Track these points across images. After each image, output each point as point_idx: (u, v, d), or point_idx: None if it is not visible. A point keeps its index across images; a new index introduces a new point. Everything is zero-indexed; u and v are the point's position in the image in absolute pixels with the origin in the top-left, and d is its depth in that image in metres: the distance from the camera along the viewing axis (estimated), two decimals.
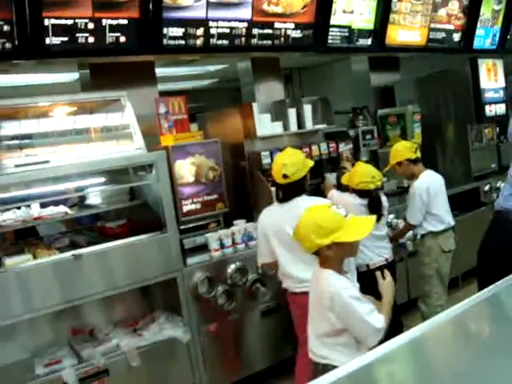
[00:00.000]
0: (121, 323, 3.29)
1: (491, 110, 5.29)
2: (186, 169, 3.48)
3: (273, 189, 3.64)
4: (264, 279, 3.46)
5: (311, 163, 3.08)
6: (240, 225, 3.56)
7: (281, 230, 2.88)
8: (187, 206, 3.50)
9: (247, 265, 3.42)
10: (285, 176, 2.89)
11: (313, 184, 4.00)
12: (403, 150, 3.78)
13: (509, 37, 6.33)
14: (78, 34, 3.14)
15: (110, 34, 3.27)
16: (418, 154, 3.81)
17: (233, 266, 3.36)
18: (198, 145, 3.57)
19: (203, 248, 3.54)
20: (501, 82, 5.43)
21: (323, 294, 2.17)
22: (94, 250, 3.00)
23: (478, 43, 5.96)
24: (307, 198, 2.97)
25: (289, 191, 2.96)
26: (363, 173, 3.38)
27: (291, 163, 2.91)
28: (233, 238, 3.48)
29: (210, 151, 3.58)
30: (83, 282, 2.92)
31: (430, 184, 3.74)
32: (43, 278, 2.82)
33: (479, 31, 5.91)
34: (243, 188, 3.88)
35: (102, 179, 3.37)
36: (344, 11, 4.47)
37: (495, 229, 3.50)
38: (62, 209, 3.14)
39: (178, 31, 3.53)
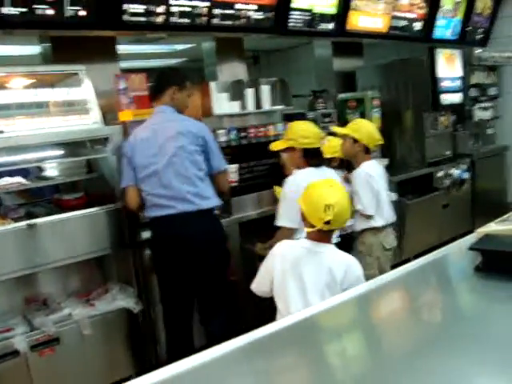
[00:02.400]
0: (74, 294, 3.35)
1: (447, 99, 5.46)
2: None
3: (230, 166, 3.72)
4: None
5: None
6: None
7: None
8: None
9: None
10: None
11: (271, 164, 4.12)
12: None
13: (468, 29, 6.51)
14: (36, 6, 3.14)
15: (70, 8, 3.27)
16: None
17: None
18: None
19: None
20: (458, 72, 5.60)
21: None
22: (48, 220, 3.05)
23: (438, 33, 6.11)
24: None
25: (321, 155, 3.35)
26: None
27: (312, 131, 3.34)
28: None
29: None
30: (37, 251, 2.98)
31: (375, 173, 3.54)
32: None
33: (440, 21, 6.06)
34: None
35: (60, 152, 3.41)
36: None
37: None
38: (17, 179, 3.18)
39: (138, 8, 3.55)
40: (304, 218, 2.38)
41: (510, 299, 1.52)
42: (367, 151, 3.57)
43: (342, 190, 2.41)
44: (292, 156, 3.30)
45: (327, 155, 3.55)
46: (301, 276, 2.34)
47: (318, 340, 1.44)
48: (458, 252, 1.97)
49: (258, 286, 2.53)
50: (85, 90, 3.36)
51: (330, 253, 2.39)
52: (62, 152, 3.41)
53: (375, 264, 3.51)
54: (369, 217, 3.48)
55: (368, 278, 3.47)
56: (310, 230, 2.32)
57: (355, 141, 3.52)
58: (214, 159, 3.14)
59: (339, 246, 3.45)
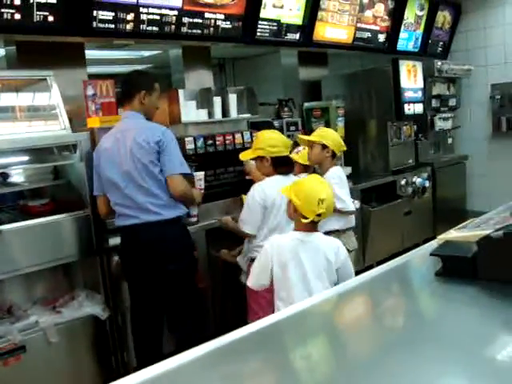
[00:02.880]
0: (40, 301, 3.31)
1: (410, 109, 5.60)
2: None
3: (196, 174, 3.76)
4: None
5: None
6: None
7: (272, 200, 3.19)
8: None
9: None
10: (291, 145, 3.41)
11: (236, 171, 4.17)
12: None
13: (430, 41, 6.71)
14: (3, 10, 3.12)
15: (38, 13, 3.27)
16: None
17: None
18: None
19: None
20: (420, 83, 5.75)
21: None
22: (15, 227, 3.02)
23: (401, 45, 6.30)
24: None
25: (290, 163, 3.41)
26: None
27: (279, 139, 3.38)
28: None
29: None
30: (3, 258, 2.94)
31: (343, 177, 3.66)
32: None
33: (403, 34, 6.25)
34: None
35: (26, 158, 3.38)
36: (274, 5, 4.61)
37: None
38: None
39: (108, 15, 3.57)
40: (295, 211, 2.58)
41: (469, 302, 1.59)
42: (333, 157, 3.67)
43: (328, 185, 2.70)
44: (261, 165, 3.36)
45: (305, 163, 3.71)
46: (301, 264, 2.56)
47: (283, 345, 1.48)
48: (420, 258, 2.04)
49: (258, 280, 2.68)
50: (52, 96, 3.35)
51: (321, 239, 2.65)
52: (28, 158, 3.38)
53: None
54: (351, 213, 3.62)
55: None
56: (304, 221, 2.53)
57: (323, 147, 3.59)
58: (167, 163, 3.02)
59: None
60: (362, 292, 1.83)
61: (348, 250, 3.53)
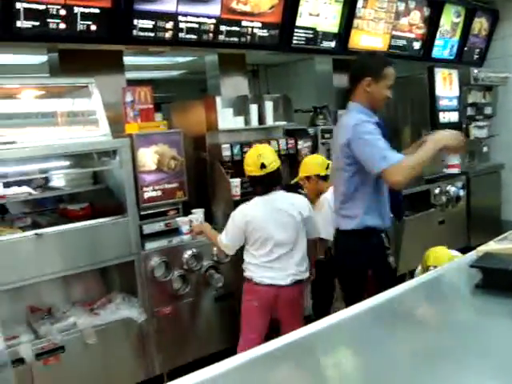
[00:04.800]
0: (79, 303, 3.39)
1: (445, 117, 5.56)
2: (148, 157, 3.58)
3: (232, 180, 3.82)
4: (218, 266, 3.63)
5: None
6: (198, 213, 3.70)
7: (264, 222, 3.10)
8: (148, 193, 3.61)
9: (203, 251, 3.57)
10: (263, 166, 3.06)
11: None
12: (314, 164, 3.67)
13: (466, 49, 6.64)
14: (49, 20, 3.22)
15: (82, 22, 3.36)
16: (328, 171, 3.58)
17: (189, 252, 3.51)
18: (162, 134, 3.68)
19: (162, 234, 3.66)
20: (455, 91, 5.70)
21: None
22: (55, 230, 3.10)
23: (436, 53, 6.24)
24: (285, 193, 3.23)
25: (267, 183, 3.14)
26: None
27: (266, 153, 3.13)
28: (190, 225, 3.63)
29: (172, 141, 3.70)
30: (44, 260, 3.03)
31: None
32: (5, 255, 2.90)
33: (438, 41, 6.19)
34: (203, 178, 4.02)
35: (67, 162, 3.47)
36: (310, 14, 4.64)
37: None
38: (26, 189, 3.23)
39: (148, 23, 3.64)
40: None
41: (509, 315, 1.59)
42: (324, 178, 3.63)
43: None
44: None
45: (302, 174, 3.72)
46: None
47: (323, 354, 1.50)
48: (459, 269, 2.04)
49: (233, 240, 3.16)
50: (93, 102, 3.43)
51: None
52: (68, 163, 3.47)
53: None
54: (324, 240, 3.50)
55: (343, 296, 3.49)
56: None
57: (307, 178, 3.68)
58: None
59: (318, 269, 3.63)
60: (402, 302, 1.84)
61: None
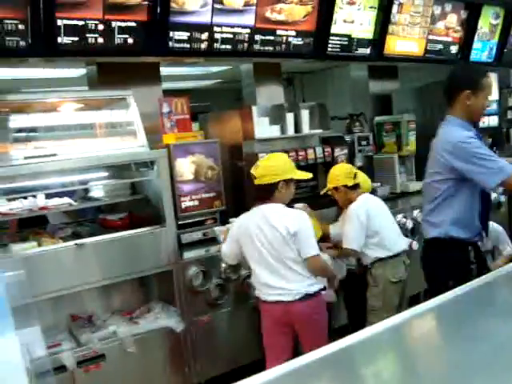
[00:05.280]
0: (118, 311, 3.45)
1: (484, 121, 5.45)
2: (185, 167, 3.62)
3: None
4: None
5: (294, 175, 3.07)
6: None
7: (248, 233, 3.01)
8: (186, 203, 3.65)
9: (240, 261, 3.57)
10: (253, 176, 3.01)
11: (309, 187, 4.19)
12: (340, 174, 3.60)
13: (505, 50, 6.50)
14: (88, 35, 3.29)
15: (119, 36, 3.42)
16: (358, 180, 3.62)
17: None
18: (198, 144, 3.72)
19: (200, 243, 3.70)
20: (494, 95, 5.58)
21: None
22: (95, 240, 3.17)
23: (475, 56, 6.12)
24: (278, 206, 3.01)
25: (255, 194, 3.10)
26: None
27: (263, 166, 3.00)
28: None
29: (209, 151, 3.73)
30: (84, 270, 3.09)
31: (368, 206, 3.54)
32: (47, 264, 2.98)
33: (476, 44, 6.07)
34: (240, 187, 4.03)
35: (106, 173, 3.53)
36: (344, 21, 4.62)
37: None
38: (67, 200, 3.30)
39: (183, 35, 3.68)
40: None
41: None
42: (353, 188, 3.60)
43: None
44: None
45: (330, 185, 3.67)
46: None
47: (363, 365, 1.49)
48: (504, 278, 2.00)
49: (227, 248, 3.15)
50: (131, 114, 3.48)
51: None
52: (107, 173, 3.53)
53: (380, 296, 3.51)
54: (352, 251, 3.51)
55: (373, 308, 3.52)
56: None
57: (336, 189, 3.62)
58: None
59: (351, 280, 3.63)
60: (446, 312, 1.81)
61: (391, 281, 3.49)
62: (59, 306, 3.26)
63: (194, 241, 3.70)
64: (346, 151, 4.41)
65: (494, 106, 5.61)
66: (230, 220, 3.71)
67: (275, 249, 2.92)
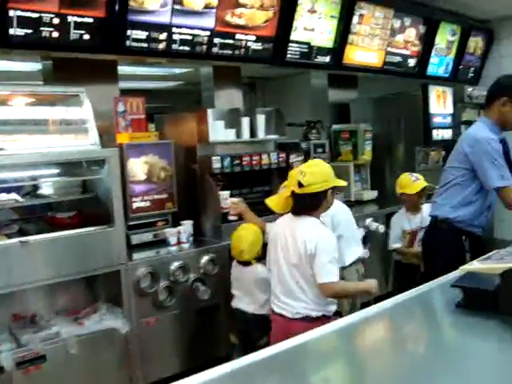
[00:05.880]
0: (63, 312, 3.36)
1: (438, 134, 5.57)
2: (138, 167, 3.59)
3: (222, 193, 3.81)
4: (205, 279, 3.61)
5: (339, 182, 2.90)
6: (187, 225, 3.69)
7: (275, 237, 2.92)
8: (137, 203, 3.61)
9: (189, 263, 3.56)
10: (300, 184, 2.73)
11: (263, 191, 4.20)
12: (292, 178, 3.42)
13: (461, 67, 6.68)
14: (42, 28, 3.23)
15: (75, 31, 3.37)
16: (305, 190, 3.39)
17: (176, 264, 3.49)
18: (152, 145, 3.69)
19: (150, 244, 3.68)
20: (449, 109, 5.71)
21: None
22: (41, 238, 3.07)
23: (431, 70, 6.28)
24: (310, 220, 2.82)
25: (301, 203, 2.81)
26: None
27: (311, 172, 2.75)
28: (178, 236, 3.63)
29: (163, 152, 3.71)
30: (28, 268, 2.99)
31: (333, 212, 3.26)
32: None
33: (433, 59, 6.24)
34: (193, 190, 4.01)
35: (56, 170, 3.46)
36: (305, 28, 4.66)
37: None
38: (13, 196, 3.22)
39: (141, 34, 3.65)
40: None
41: (488, 336, 1.58)
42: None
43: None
44: None
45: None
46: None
47: (302, 370, 1.49)
48: (443, 288, 2.03)
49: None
50: (84, 111, 3.42)
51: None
52: (57, 171, 3.46)
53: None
54: None
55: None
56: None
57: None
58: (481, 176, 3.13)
59: None
60: (383, 319, 1.84)
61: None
62: (1, 305, 3.16)
63: (144, 242, 3.67)
64: (301, 158, 4.43)
65: (449, 120, 5.73)
66: (182, 222, 3.69)
67: (292, 263, 2.79)
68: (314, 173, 2.77)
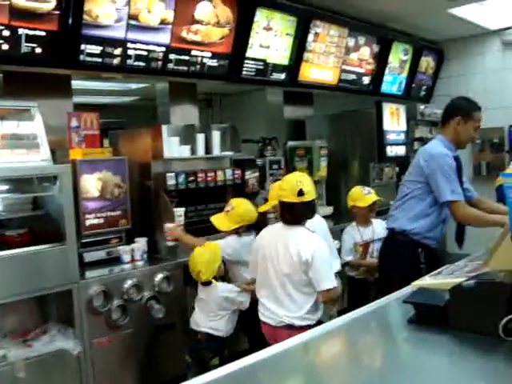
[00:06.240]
0: (11, 334, 3.25)
1: (392, 151, 5.68)
2: (91, 183, 3.53)
3: (177, 210, 3.77)
4: (159, 297, 3.56)
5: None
6: (141, 242, 3.64)
7: (263, 247, 2.98)
8: (90, 220, 3.54)
9: (144, 281, 3.50)
10: (300, 193, 2.84)
11: (217, 208, 4.17)
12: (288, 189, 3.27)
13: (413, 85, 6.86)
14: None
15: (26, 44, 3.29)
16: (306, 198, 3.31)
17: (130, 282, 3.42)
18: (106, 161, 3.64)
19: (104, 262, 3.61)
20: (402, 126, 5.84)
21: None
22: None
23: (385, 88, 6.42)
24: (300, 229, 2.94)
25: (297, 212, 2.91)
26: None
27: (306, 182, 2.91)
28: (132, 254, 3.57)
29: (117, 168, 3.66)
30: None
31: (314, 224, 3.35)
32: None
33: (387, 77, 6.38)
34: (147, 207, 3.96)
35: (6, 187, 3.35)
36: (261, 45, 4.69)
37: None
38: None
39: (95, 49, 3.60)
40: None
41: (439, 351, 1.60)
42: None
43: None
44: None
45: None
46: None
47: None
48: (396, 304, 2.05)
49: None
50: (35, 126, 3.34)
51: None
52: (7, 187, 3.36)
53: None
54: None
55: None
56: None
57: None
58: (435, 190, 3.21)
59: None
60: (335, 336, 1.84)
61: None
62: None
63: (97, 260, 3.60)
64: (257, 174, 4.44)
65: (402, 137, 5.85)
66: (136, 239, 3.64)
67: (283, 272, 2.84)
68: (308, 182, 2.94)
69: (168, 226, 3.68)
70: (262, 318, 2.96)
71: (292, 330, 2.76)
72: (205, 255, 3.25)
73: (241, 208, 3.48)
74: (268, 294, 2.92)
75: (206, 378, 1.43)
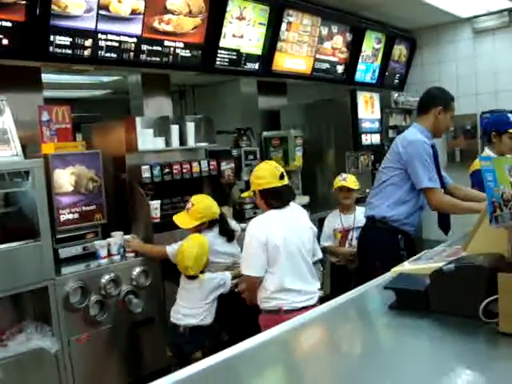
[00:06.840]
0: None
1: (367, 139, 5.71)
2: (65, 178, 3.46)
3: (152, 202, 3.73)
4: (137, 291, 3.52)
5: None
6: (117, 236, 3.59)
7: (287, 237, 2.89)
8: (65, 216, 3.48)
9: (121, 276, 3.45)
10: (282, 176, 2.95)
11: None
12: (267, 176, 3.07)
13: (387, 74, 6.89)
14: None
15: None
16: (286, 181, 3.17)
17: (107, 277, 3.38)
18: (79, 155, 3.57)
19: (80, 258, 3.55)
20: (377, 114, 5.87)
21: None
22: None
23: (359, 76, 6.43)
24: (297, 206, 3.15)
25: (285, 193, 3.01)
26: None
27: (280, 168, 3.01)
28: (108, 249, 3.52)
29: (90, 162, 3.59)
30: None
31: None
32: None
33: (361, 66, 6.39)
34: (123, 200, 3.90)
35: None
36: (234, 35, 4.65)
37: None
38: None
39: (65, 40, 3.52)
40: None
41: (421, 335, 1.61)
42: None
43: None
44: (257, 201, 3.13)
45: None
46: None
47: (242, 375, 1.47)
48: (376, 290, 2.06)
49: (260, 269, 2.87)
50: (5, 120, 3.26)
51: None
52: None
53: None
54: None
55: None
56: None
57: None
58: (412, 177, 3.25)
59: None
60: (317, 324, 1.83)
61: None
62: None
63: (73, 255, 3.54)
64: (232, 165, 4.42)
65: (377, 125, 5.88)
66: (112, 234, 3.58)
67: (307, 249, 2.97)
68: (279, 167, 3.04)
69: (126, 237, 3.64)
70: (301, 304, 2.84)
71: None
72: (194, 249, 3.16)
73: (201, 204, 3.42)
74: (299, 279, 2.91)
75: (189, 370, 1.41)
